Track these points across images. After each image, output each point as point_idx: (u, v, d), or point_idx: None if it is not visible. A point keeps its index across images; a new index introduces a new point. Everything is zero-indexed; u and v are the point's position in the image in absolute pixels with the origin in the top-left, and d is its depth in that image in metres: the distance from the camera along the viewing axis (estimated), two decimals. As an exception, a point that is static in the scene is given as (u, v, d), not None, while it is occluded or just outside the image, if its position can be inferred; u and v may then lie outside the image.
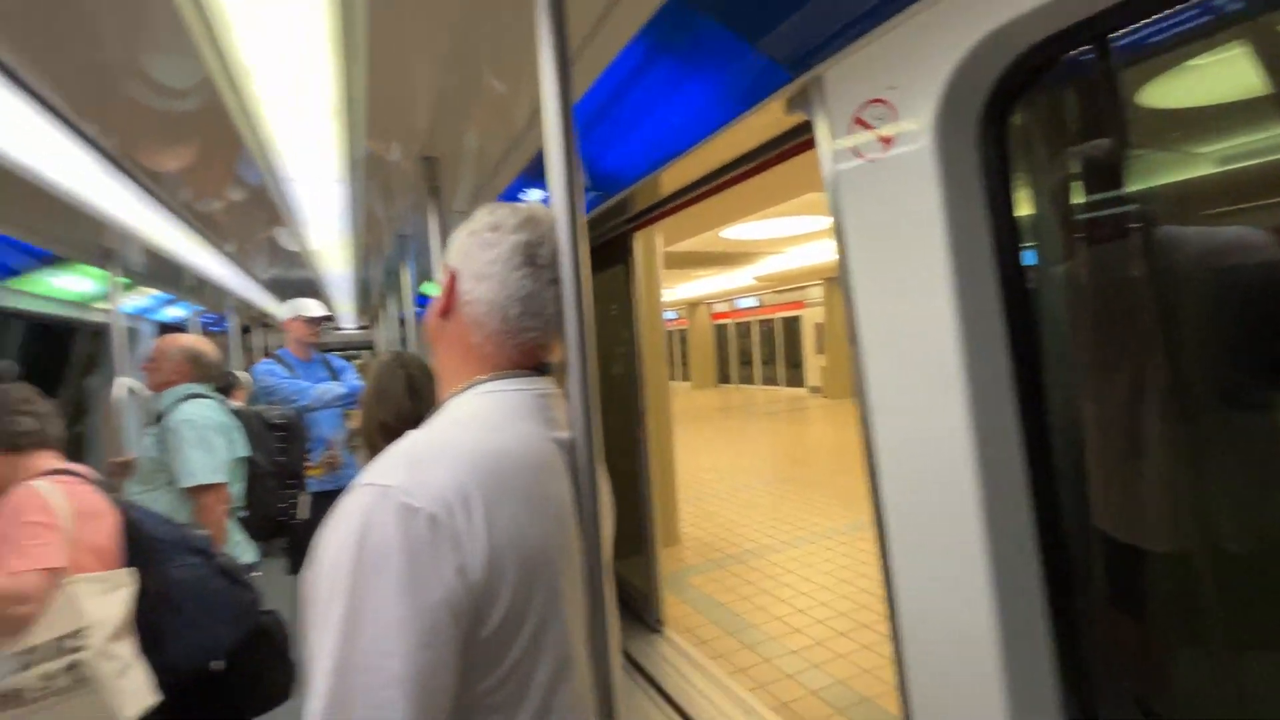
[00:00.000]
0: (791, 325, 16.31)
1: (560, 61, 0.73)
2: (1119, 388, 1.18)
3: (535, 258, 0.74)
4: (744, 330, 18.56)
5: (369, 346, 7.25)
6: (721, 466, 7.82)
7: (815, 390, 15.33)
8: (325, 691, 0.54)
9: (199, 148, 1.47)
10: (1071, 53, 0.85)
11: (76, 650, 1.42)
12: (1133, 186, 1.11)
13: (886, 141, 0.96)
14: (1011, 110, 0.93)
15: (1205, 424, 1.09)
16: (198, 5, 0.88)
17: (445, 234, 1.88)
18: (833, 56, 1.00)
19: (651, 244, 3.92)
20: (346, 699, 0.54)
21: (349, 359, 3.79)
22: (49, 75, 1.11)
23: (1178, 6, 0.77)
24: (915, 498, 1.04)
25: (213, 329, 5.38)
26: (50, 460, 1.59)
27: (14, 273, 2.66)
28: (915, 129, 0.91)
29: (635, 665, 2.70)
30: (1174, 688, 1.14)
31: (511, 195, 2.14)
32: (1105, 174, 1.12)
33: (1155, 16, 0.79)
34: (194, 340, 2.30)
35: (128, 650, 1.51)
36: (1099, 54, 0.92)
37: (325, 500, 2.94)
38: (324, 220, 2.04)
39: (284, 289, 4.19)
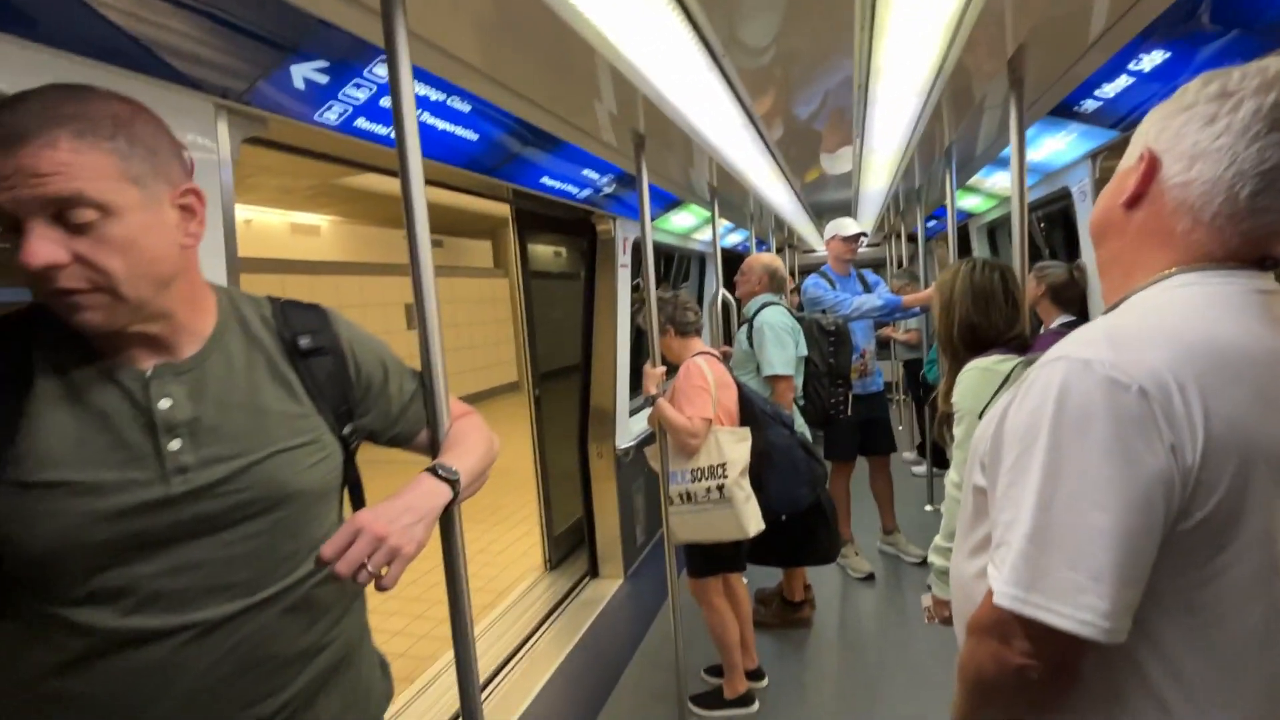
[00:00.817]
0: None
1: None
2: None
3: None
4: None
5: (880, 264, 7.39)
6: None
7: None
8: (1032, 523, 0.60)
9: (807, 85, 1.73)
10: None
11: (721, 477, 2.03)
12: None
13: None
14: None
15: None
16: None
17: (1023, 129, 1.72)
18: None
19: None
20: (1052, 533, 0.59)
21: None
22: (727, 44, 1.45)
23: None
24: None
25: (757, 250, 6.43)
26: (700, 344, 2.26)
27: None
28: None
29: None
30: None
31: (1110, 72, 1.77)
32: None
33: None
34: (771, 259, 2.82)
35: (748, 485, 2.07)
36: None
37: (857, 403, 3.25)
38: (886, 138, 2.15)
39: (820, 209, 4.62)
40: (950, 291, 1.48)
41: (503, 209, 2.92)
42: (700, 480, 2.05)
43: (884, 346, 4.92)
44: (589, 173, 2.57)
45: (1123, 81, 1.77)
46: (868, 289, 3.46)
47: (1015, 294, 1.44)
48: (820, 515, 2.43)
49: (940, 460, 3.87)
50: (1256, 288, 0.64)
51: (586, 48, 1.32)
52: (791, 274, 7.64)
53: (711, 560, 2.18)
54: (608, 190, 2.83)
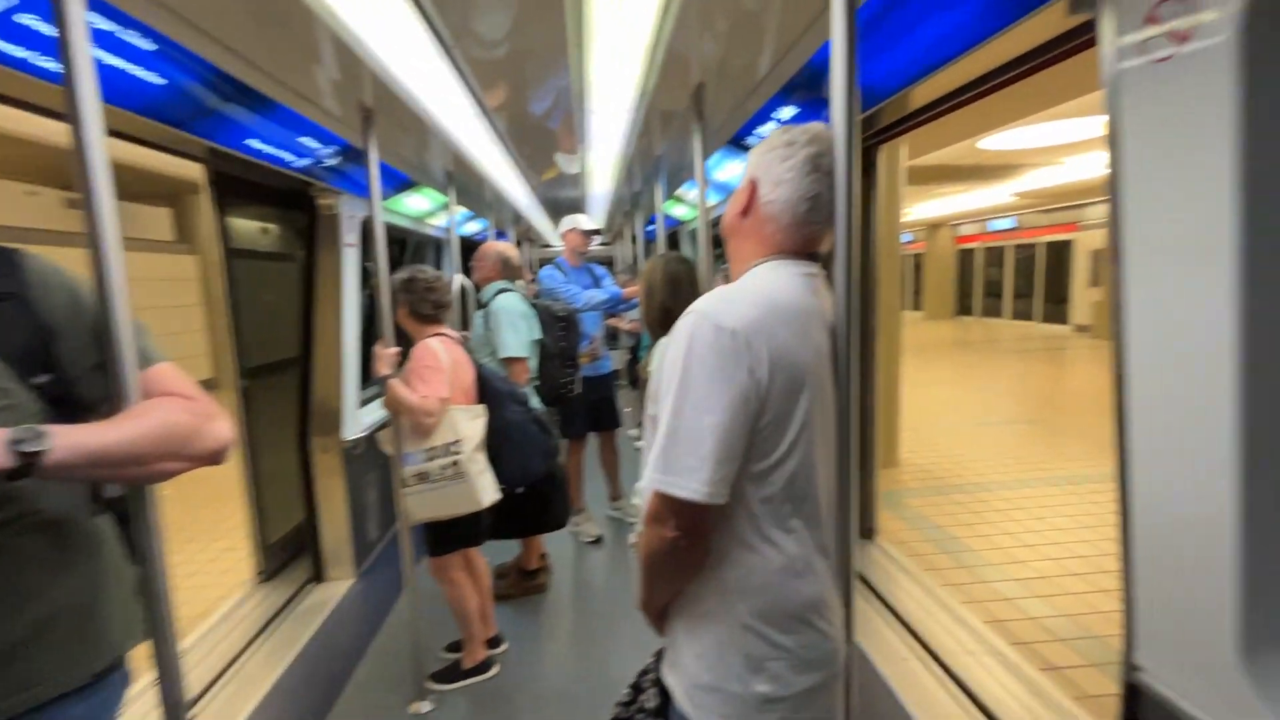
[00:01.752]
0: (1058, 251, 13.93)
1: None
2: None
3: (820, 165, 0.96)
4: (994, 256, 16.34)
5: (609, 262, 8.03)
6: (952, 400, 7.35)
7: (1082, 329, 13.12)
8: (668, 426, 0.87)
9: (535, 86, 1.89)
10: None
11: (456, 453, 2.10)
12: None
13: (1181, 39, 0.95)
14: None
15: None
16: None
17: (706, 154, 2.14)
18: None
19: (895, 158, 3.76)
20: (679, 431, 0.86)
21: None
22: (446, 20, 1.52)
23: None
24: (1165, 414, 1.03)
25: (497, 240, 6.50)
26: (439, 326, 2.28)
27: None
28: (1214, 25, 0.89)
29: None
30: None
31: (763, 115, 2.30)
32: None
33: None
34: (505, 246, 2.96)
35: (483, 460, 2.17)
36: None
37: (588, 384, 3.61)
38: (606, 145, 2.44)
39: (555, 207, 4.90)
40: (651, 280, 1.80)
41: (188, 170, 2.50)
42: (435, 459, 2.09)
43: (614, 336, 5.43)
44: (309, 141, 2.38)
45: (770, 126, 2.31)
46: (596, 281, 3.83)
47: (695, 281, 1.82)
48: (554, 484, 2.66)
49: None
50: (805, 271, 1.00)
51: (304, 9, 1.28)
52: (530, 266, 7.93)
53: (450, 537, 2.23)
54: (331, 162, 2.64)
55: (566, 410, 3.58)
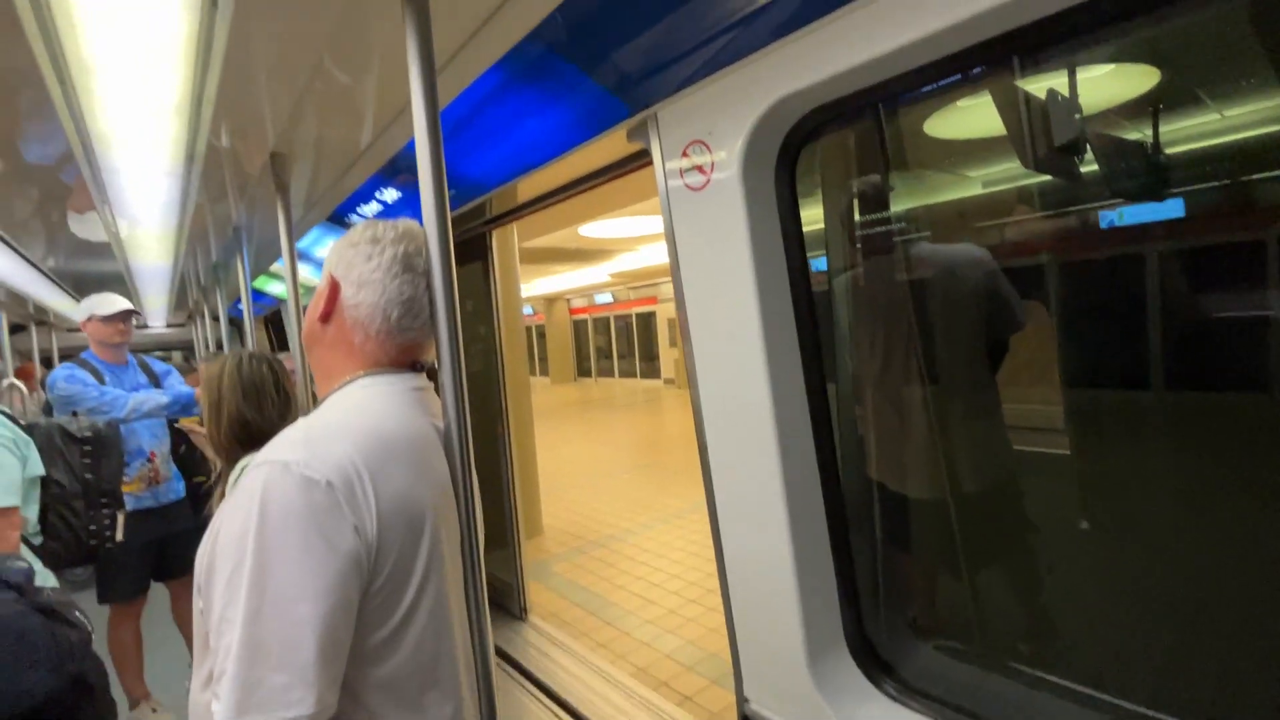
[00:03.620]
0: (646, 320, 16.98)
1: (426, 70, 0.83)
2: (886, 371, 1.52)
3: (413, 265, 0.84)
4: (602, 325, 18.96)
5: (186, 346, 6.47)
6: (582, 457, 8.02)
7: (669, 381, 16.11)
8: (241, 639, 0.62)
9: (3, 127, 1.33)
10: (844, 113, 1.11)
11: None
12: (897, 208, 1.44)
13: (705, 174, 1.18)
14: (798, 154, 1.19)
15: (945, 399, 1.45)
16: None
17: (292, 230, 1.84)
18: (664, 100, 1.20)
19: (509, 240, 3.98)
20: (261, 642, 0.62)
21: (163, 360, 3.37)
22: None
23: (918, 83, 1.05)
24: (734, 469, 1.27)
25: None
26: None
27: None
28: (727, 165, 1.14)
29: (502, 654, 2.80)
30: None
31: (365, 194, 2.13)
32: (873, 201, 1.44)
33: (905, 90, 1.06)
34: None
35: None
36: (867, 113, 1.21)
37: (147, 519, 2.66)
38: (146, 211, 1.89)
39: (80, 282, 3.66)
40: (218, 389, 1.40)
41: None
42: None
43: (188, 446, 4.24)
44: None
45: (374, 207, 2.15)
46: (155, 380, 2.90)
47: (285, 384, 1.49)
48: (83, 690, 1.81)
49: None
50: (412, 385, 0.86)
51: None
52: (47, 361, 5.71)
53: None
54: None
55: (108, 565, 2.57)
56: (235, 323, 4.82)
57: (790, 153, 1.17)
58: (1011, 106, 1.17)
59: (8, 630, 1.57)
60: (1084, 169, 1.19)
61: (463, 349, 0.86)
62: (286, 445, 0.70)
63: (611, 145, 1.49)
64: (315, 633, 0.63)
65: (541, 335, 20.21)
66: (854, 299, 1.48)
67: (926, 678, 1.25)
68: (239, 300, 5.04)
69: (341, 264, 0.84)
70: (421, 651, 0.75)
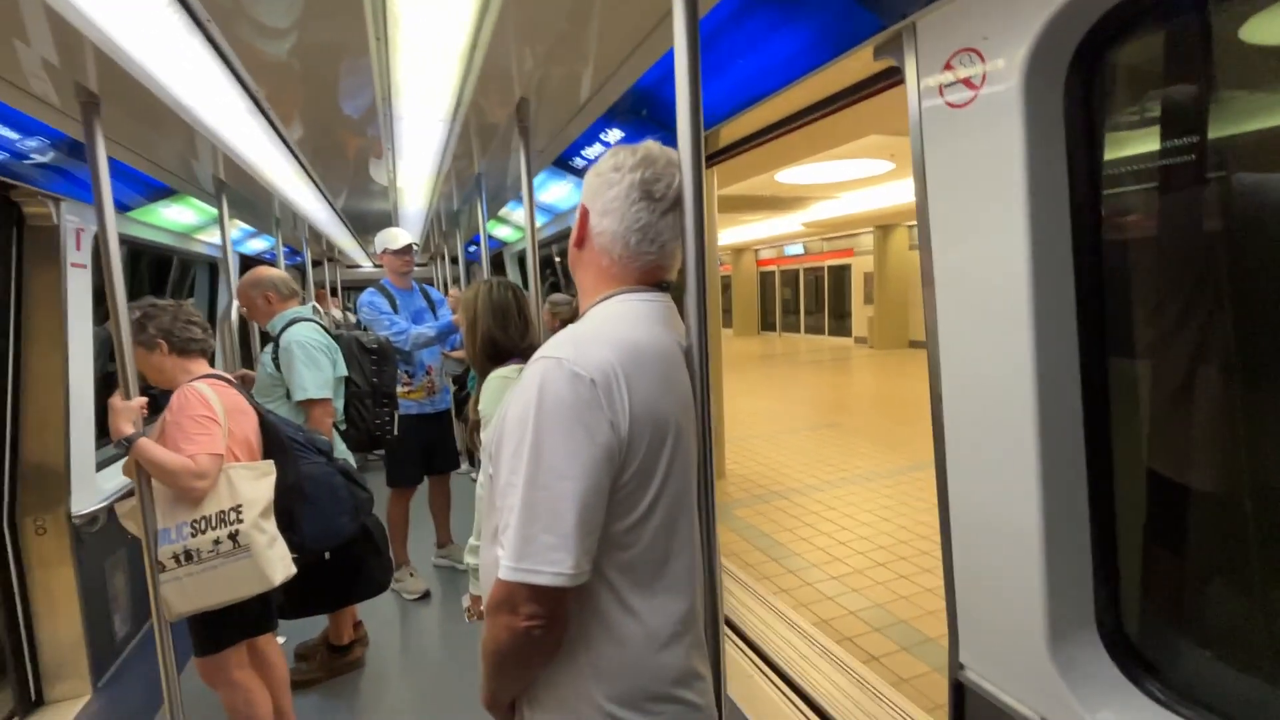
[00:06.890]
0: (839, 273, 16.01)
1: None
2: (1184, 341, 1.22)
3: (651, 192, 0.87)
4: (790, 278, 18.31)
5: (429, 282, 7.52)
6: (762, 411, 7.97)
7: (861, 340, 15.17)
8: (522, 500, 0.73)
9: (327, 84, 1.61)
10: (1160, 9, 0.90)
11: (236, 522, 1.69)
12: (1217, 133, 1.13)
13: (974, 87, 1.04)
14: (1100, 59, 0.99)
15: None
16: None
17: (531, 174, 2.01)
18: (928, 6, 1.07)
19: (711, 185, 3.97)
20: (534, 504, 0.72)
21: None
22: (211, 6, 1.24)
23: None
24: (976, 430, 1.14)
25: (289, 262, 5.69)
26: (205, 366, 1.84)
27: (125, 208, 2.91)
28: (1004, 76, 0.99)
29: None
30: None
31: (591, 136, 2.24)
32: (1190, 122, 1.14)
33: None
34: (267, 273, 2.46)
35: (273, 527, 1.79)
36: (1190, 10, 0.97)
37: (425, 423, 3.20)
38: (419, 157, 2.19)
39: (360, 222, 4.40)
40: (474, 309, 1.61)
41: None
42: (204, 532, 1.67)
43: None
44: (3, 130, 1.81)
45: (597, 148, 2.26)
46: (431, 304, 3.40)
47: (526, 310, 1.67)
48: (369, 543, 2.29)
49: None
50: (661, 303, 0.90)
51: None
52: (334, 291, 7.07)
53: (227, 627, 1.79)
54: (41, 159, 2.05)
55: (394, 455, 3.16)
56: (469, 264, 5.48)
57: (1085, 61, 0.98)
58: None
59: (322, 483, 2.03)
60: None
61: (711, 269, 0.87)
62: (559, 345, 0.79)
63: (849, 67, 1.38)
64: (575, 507, 0.72)
65: (726, 287, 20.09)
66: (1151, 248, 1.22)
67: (1201, 685, 1.06)
68: (467, 243, 5.70)
69: (589, 192, 0.90)
70: (655, 548, 0.82)
